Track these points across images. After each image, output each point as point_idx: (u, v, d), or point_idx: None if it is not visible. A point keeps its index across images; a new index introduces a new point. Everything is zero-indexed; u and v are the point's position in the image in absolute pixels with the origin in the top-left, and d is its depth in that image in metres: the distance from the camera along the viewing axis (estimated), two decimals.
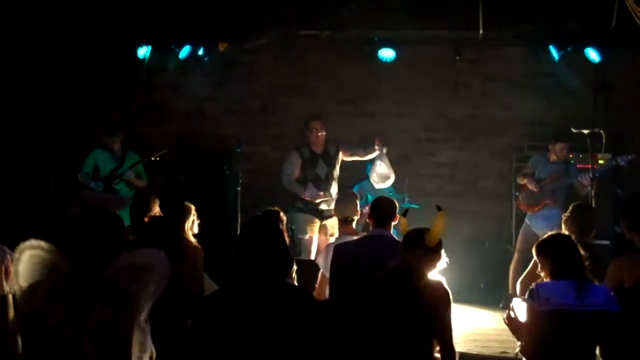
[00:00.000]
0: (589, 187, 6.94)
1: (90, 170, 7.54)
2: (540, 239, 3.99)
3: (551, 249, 3.80)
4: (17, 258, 3.10)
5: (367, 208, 5.79)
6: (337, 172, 7.42)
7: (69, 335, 2.69)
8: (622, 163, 6.96)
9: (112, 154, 7.57)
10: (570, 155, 7.50)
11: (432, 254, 3.73)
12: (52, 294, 2.76)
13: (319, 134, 7.28)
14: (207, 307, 3.08)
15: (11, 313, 3.38)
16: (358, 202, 5.70)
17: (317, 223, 7.20)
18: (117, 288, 2.79)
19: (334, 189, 7.34)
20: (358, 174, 8.25)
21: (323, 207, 7.19)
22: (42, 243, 3.27)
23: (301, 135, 7.54)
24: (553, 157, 7.45)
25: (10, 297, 3.31)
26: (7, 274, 3.29)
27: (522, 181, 7.55)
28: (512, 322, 3.83)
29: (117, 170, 7.51)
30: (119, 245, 2.93)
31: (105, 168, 7.54)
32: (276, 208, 5.58)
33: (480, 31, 8.06)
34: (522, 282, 4.71)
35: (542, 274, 3.80)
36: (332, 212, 6.46)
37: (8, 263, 3.29)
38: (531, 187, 7.42)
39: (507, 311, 3.91)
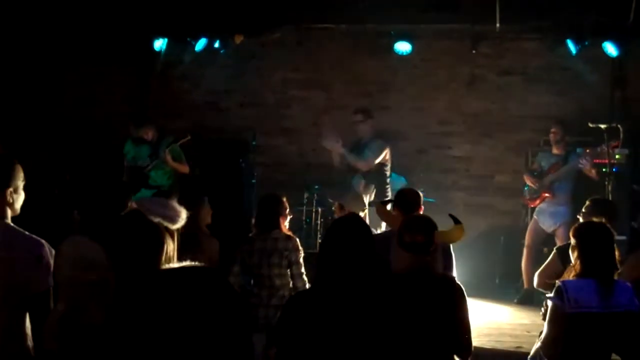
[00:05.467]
0: (595, 171, 7.03)
1: (128, 161, 7.51)
2: (582, 223, 3.96)
3: (591, 239, 3.65)
4: (59, 252, 3.13)
5: None
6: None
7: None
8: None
9: (145, 144, 7.51)
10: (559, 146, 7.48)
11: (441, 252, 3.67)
12: (90, 291, 2.74)
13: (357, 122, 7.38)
14: (294, 305, 3.08)
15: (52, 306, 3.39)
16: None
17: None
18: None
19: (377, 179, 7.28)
20: None
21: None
22: (85, 239, 3.29)
23: (317, 127, 7.51)
24: (554, 150, 7.52)
25: (51, 290, 3.33)
26: (47, 268, 3.29)
27: (525, 177, 7.63)
28: None
29: (152, 156, 7.43)
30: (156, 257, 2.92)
31: (142, 157, 7.48)
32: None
33: (497, 24, 8.02)
34: (539, 275, 4.68)
35: (573, 257, 3.68)
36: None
37: (48, 257, 3.30)
38: (529, 182, 7.53)
39: (541, 310, 3.90)
